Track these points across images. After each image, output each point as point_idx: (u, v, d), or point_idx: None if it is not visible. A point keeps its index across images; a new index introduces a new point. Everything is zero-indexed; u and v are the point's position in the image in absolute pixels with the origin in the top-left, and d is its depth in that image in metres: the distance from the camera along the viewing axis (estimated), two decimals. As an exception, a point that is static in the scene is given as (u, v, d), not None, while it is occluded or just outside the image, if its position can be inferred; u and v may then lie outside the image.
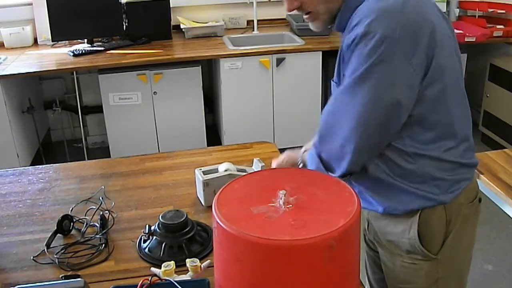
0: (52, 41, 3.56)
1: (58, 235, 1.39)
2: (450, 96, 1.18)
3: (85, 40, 3.61)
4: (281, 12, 4.04)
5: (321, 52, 3.48)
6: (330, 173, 1.20)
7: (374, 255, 1.48)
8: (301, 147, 1.35)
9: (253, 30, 3.89)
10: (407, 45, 1.07)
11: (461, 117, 1.23)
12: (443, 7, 3.86)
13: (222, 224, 0.88)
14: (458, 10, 3.99)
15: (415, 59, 1.09)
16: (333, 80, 1.29)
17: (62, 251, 1.33)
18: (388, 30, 1.06)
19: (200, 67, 3.51)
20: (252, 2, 3.81)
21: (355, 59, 1.10)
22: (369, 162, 1.21)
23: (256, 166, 1.59)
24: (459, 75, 1.22)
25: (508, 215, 1.81)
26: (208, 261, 1.20)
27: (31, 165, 3.27)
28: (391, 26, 1.06)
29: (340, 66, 1.21)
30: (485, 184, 1.81)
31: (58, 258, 1.30)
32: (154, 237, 1.33)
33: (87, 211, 1.51)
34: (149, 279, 1.05)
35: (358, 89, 1.10)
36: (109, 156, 3.49)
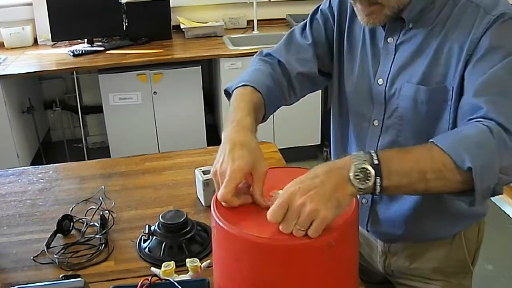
0: (52, 41, 3.56)
1: (58, 235, 1.39)
2: None
3: (85, 40, 3.61)
4: (281, 12, 4.04)
5: (321, 52, 3.47)
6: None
7: (373, 287, 1.40)
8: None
9: (253, 30, 3.89)
10: None
11: None
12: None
13: (221, 224, 0.88)
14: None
15: None
16: (416, 84, 1.05)
17: (62, 251, 1.33)
18: None
19: (200, 67, 3.51)
20: (252, 2, 3.81)
21: (508, 39, 0.93)
22: None
23: (256, 166, 1.59)
24: None
25: (508, 215, 1.82)
26: (208, 261, 1.20)
27: (31, 165, 3.27)
28: None
29: (454, 67, 0.99)
30: (485, 184, 1.81)
31: (58, 258, 1.30)
32: (154, 237, 1.33)
33: (87, 211, 1.51)
34: (149, 279, 1.05)
35: None
36: (109, 156, 3.49)
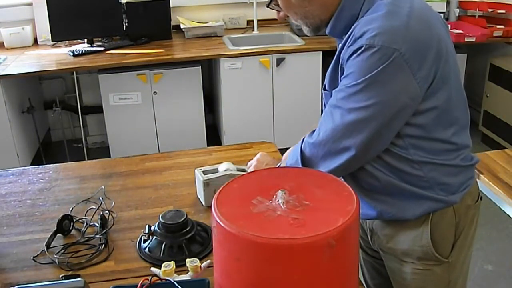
0: (52, 41, 3.56)
1: (58, 235, 1.39)
2: (455, 103, 1.18)
3: (85, 40, 3.61)
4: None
5: (321, 52, 3.48)
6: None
7: (373, 261, 1.47)
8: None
9: (253, 30, 3.89)
10: (413, 61, 1.06)
11: (465, 121, 1.23)
12: (443, 7, 3.86)
13: (221, 223, 0.88)
14: (458, 10, 3.99)
15: (420, 72, 1.08)
16: (324, 89, 1.27)
17: (62, 251, 1.33)
18: (393, 45, 1.05)
19: (200, 67, 3.51)
20: (252, 2, 3.81)
21: (357, 68, 1.08)
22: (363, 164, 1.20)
23: (256, 166, 1.60)
24: (460, 79, 1.23)
25: (508, 215, 1.81)
26: (208, 261, 1.20)
27: (31, 165, 3.27)
28: (396, 40, 1.05)
29: (337, 76, 1.19)
30: (485, 184, 1.81)
31: (58, 258, 1.30)
32: (154, 237, 1.33)
33: (87, 211, 1.51)
34: (149, 279, 1.05)
35: (355, 97, 1.09)
36: (109, 156, 3.49)
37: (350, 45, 1.10)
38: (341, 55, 1.15)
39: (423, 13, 1.13)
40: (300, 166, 1.21)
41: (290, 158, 1.27)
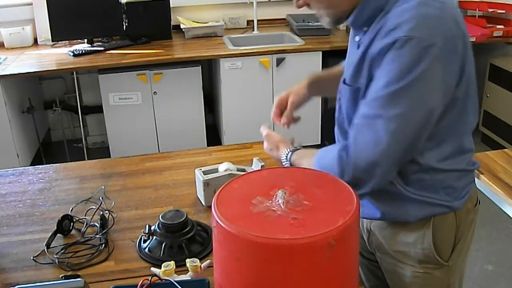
0: (52, 41, 3.56)
1: (58, 235, 1.39)
2: (470, 105, 1.15)
3: (85, 40, 3.61)
4: (281, 12, 4.04)
5: (321, 52, 3.48)
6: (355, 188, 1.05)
7: (369, 263, 1.45)
8: (302, 147, 1.34)
9: (253, 30, 3.89)
10: (447, 54, 1.02)
11: (475, 124, 1.20)
12: (443, 7, 3.86)
13: (221, 223, 0.88)
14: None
15: (453, 67, 1.05)
16: (345, 83, 1.19)
17: (62, 251, 1.33)
18: (432, 37, 0.99)
19: (200, 67, 3.51)
20: (252, 2, 3.81)
21: (395, 66, 1.01)
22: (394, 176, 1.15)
23: (256, 165, 1.59)
24: (475, 80, 1.17)
25: (508, 215, 1.81)
26: (208, 261, 1.20)
27: (31, 165, 3.27)
28: (434, 33, 1.00)
29: (361, 71, 1.11)
30: (485, 184, 1.81)
31: (58, 258, 1.30)
32: (154, 237, 1.33)
33: (87, 211, 1.51)
34: (149, 279, 1.05)
35: (398, 100, 1.02)
36: (109, 156, 3.49)
37: (383, 38, 1.03)
38: (370, 49, 1.08)
39: (451, 6, 1.08)
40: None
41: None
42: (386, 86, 1.03)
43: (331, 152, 1.14)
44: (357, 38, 1.16)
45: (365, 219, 1.34)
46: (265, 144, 1.42)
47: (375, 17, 1.09)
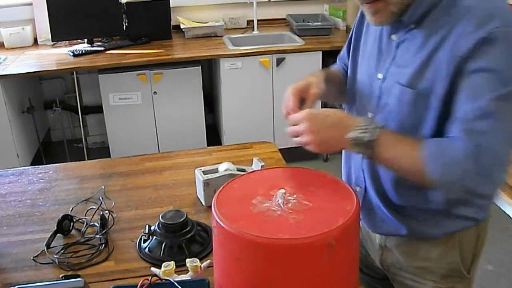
0: (52, 41, 3.56)
1: (58, 235, 1.39)
2: None
3: (85, 40, 3.61)
4: (281, 12, 4.04)
5: (321, 52, 3.48)
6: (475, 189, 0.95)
7: (370, 279, 1.41)
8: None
9: (253, 30, 3.89)
10: None
11: None
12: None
13: (221, 223, 0.88)
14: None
15: None
16: (403, 85, 1.06)
17: (62, 251, 1.33)
18: None
19: (200, 67, 3.51)
20: (252, 2, 3.81)
21: (501, 63, 0.93)
22: None
23: (256, 165, 1.59)
24: None
25: (508, 215, 1.82)
26: (208, 261, 1.20)
27: (31, 165, 3.27)
28: None
29: (425, 72, 1.02)
30: (485, 184, 1.81)
31: (58, 258, 1.30)
32: (154, 237, 1.33)
33: (87, 211, 1.51)
34: (149, 279, 1.05)
35: None
36: (109, 156, 3.49)
37: (470, 33, 0.94)
38: (440, 49, 0.99)
39: None
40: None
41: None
42: (504, 83, 0.93)
43: (453, 147, 0.96)
44: (394, 37, 1.10)
45: (377, 234, 1.28)
46: (307, 125, 1.05)
47: (428, 13, 1.02)
